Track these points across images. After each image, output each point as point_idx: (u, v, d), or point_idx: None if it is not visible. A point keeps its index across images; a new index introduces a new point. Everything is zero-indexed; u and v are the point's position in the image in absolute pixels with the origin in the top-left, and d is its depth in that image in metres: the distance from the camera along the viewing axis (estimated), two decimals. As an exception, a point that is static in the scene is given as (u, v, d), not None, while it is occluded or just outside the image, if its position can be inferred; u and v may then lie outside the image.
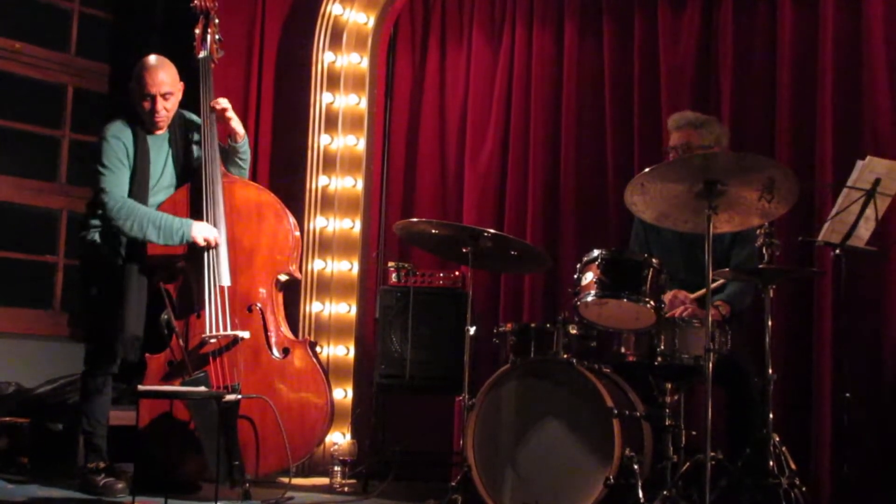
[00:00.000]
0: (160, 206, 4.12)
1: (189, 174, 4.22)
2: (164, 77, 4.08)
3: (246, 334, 4.05)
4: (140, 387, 3.83)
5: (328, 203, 5.37)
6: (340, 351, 5.24)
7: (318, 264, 5.31)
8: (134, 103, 4.13)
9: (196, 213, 4.11)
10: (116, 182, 4.03)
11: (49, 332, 5.74)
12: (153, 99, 4.08)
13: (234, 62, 5.46)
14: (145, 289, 4.12)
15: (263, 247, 4.19)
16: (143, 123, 4.14)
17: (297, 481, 4.51)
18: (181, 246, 4.03)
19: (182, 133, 4.24)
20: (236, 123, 4.26)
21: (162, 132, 4.18)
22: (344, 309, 5.30)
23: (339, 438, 5.03)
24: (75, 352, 4.63)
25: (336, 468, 4.70)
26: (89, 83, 6.04)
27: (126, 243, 4.07)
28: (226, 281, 4.07)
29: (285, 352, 4.11)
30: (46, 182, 5.90)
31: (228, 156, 4.31)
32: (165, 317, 3.99)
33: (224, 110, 4.21)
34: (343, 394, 5.17)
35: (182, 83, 4.19)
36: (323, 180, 5.37)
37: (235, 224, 4.17)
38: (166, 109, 4.11)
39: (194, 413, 3.88)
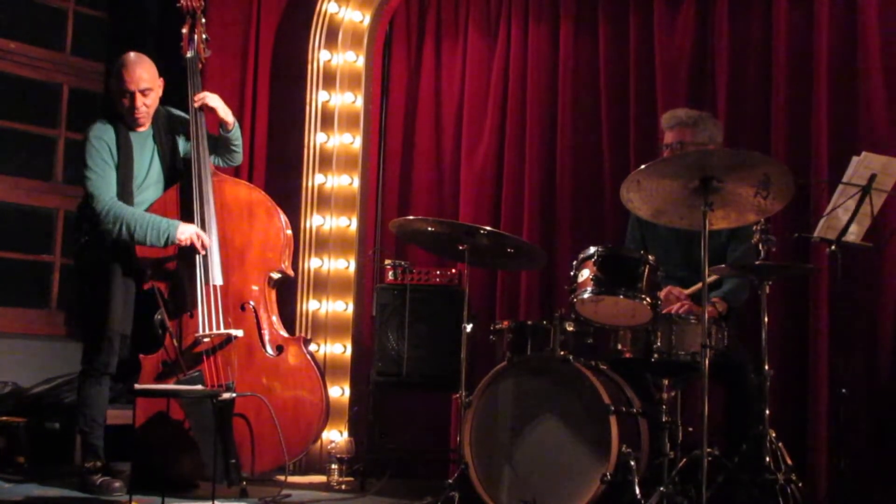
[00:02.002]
0: (151, 207, 4.12)
1: (176, 170, 4.22)
2: (142, 73, 4.08)
3: (239, 333, 4.05)
4: (136, 386, 3.83)
5: (324, 201, 5.35)
6: (337, 349, 5.23)
7: (314, 262, 5.30)
8: (114, 101, 4.13)
9: (187, 212, 4.10)
10: (104, 184, 4.02)
11: (46, 332, 5.72)
12: (132, 95, 4.07)
13: (230, 61, 5.45)
14: (132, 288, 4.13)
15: (255, 245, 4.19)
16: (124, 121, 4.13)
17: (294, 479, 4.51)
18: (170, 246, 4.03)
19: (167, 129, 4.23)
20: (224, 113, 4.25)
21: (145, 129, 4.17)
22: (341, 307, 5.29)
23: (337, 436, 5.02)
24: (72, 351, 4.64)
25: (333, 466, 4.69)
26: (85, 82, 6.03)
27: (113, 244, 4.06)
28: (218, 280, 4.07)
29: (279, 349, 4.11)
30: (42, 182, 5.88)
31: (222, 144, 4.31)
32: (159, 317, 4.00)
33: (208, 105, 4.19)
34: (340, 392, 5.17)
35: (162, 79, 4.18)
36: (319, 178, 5.36)
37: (226, 223, 4.17)
38: (146, 105, 4.10)
39: (188, 413, 3.89)
